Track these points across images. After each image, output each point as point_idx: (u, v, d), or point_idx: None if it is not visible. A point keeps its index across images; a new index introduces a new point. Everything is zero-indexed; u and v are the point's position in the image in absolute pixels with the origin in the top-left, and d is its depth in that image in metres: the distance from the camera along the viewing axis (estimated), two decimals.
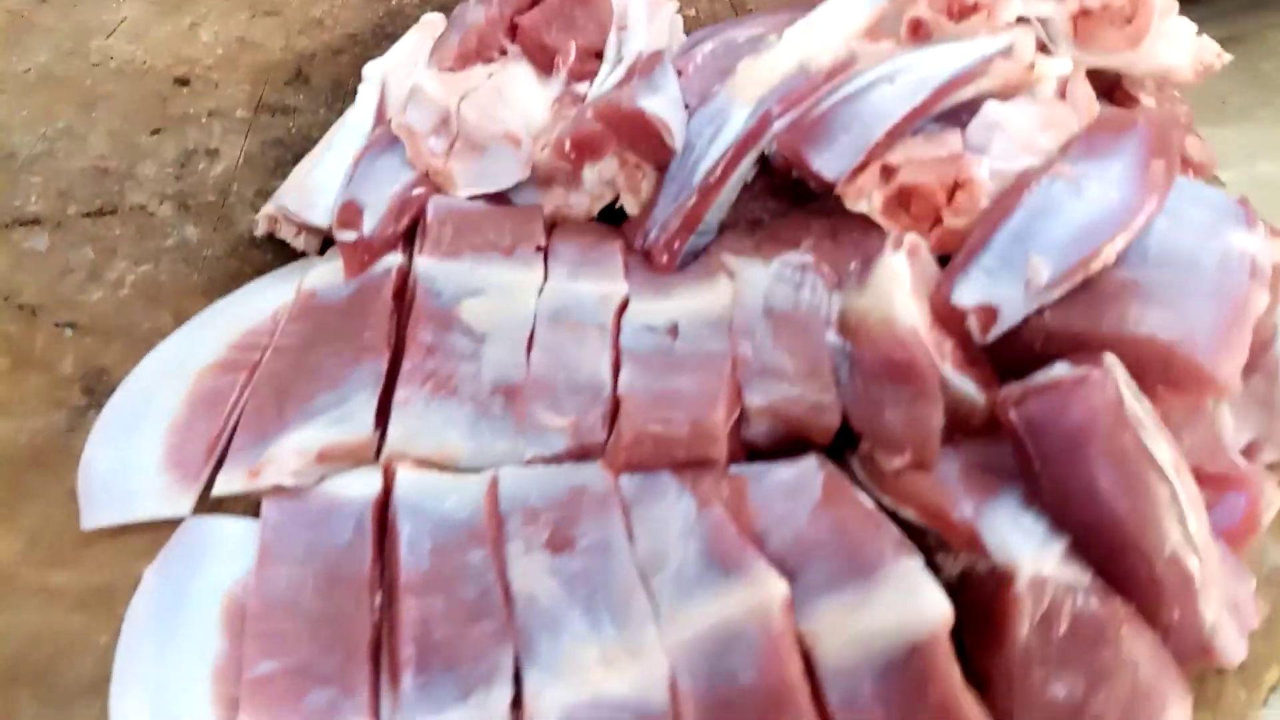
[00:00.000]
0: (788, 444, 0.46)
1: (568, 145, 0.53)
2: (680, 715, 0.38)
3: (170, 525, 0.47)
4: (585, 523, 0.43)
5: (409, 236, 0.55)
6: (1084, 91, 0.55)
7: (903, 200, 0.49)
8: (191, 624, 0.43)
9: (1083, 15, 0.54)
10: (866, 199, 0.50)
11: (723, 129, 0.53)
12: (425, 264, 0.52)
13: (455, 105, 0.55)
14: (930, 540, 0.42)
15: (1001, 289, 0.45)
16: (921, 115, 0.50)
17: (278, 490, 0.46)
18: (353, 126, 0.59)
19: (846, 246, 0.50)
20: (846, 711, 0.38)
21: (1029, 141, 0.50)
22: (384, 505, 0.45)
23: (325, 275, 0.54)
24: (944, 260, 0.48)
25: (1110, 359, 0.42)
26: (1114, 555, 0.39)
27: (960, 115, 0.52)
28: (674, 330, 0.49)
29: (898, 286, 0.44)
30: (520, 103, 0.57)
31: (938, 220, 0.49)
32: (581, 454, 0.46)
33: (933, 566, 0.40)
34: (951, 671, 0.37)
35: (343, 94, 0.67)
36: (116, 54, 0.68)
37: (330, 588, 0.43)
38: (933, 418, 0.42)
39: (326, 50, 0.70)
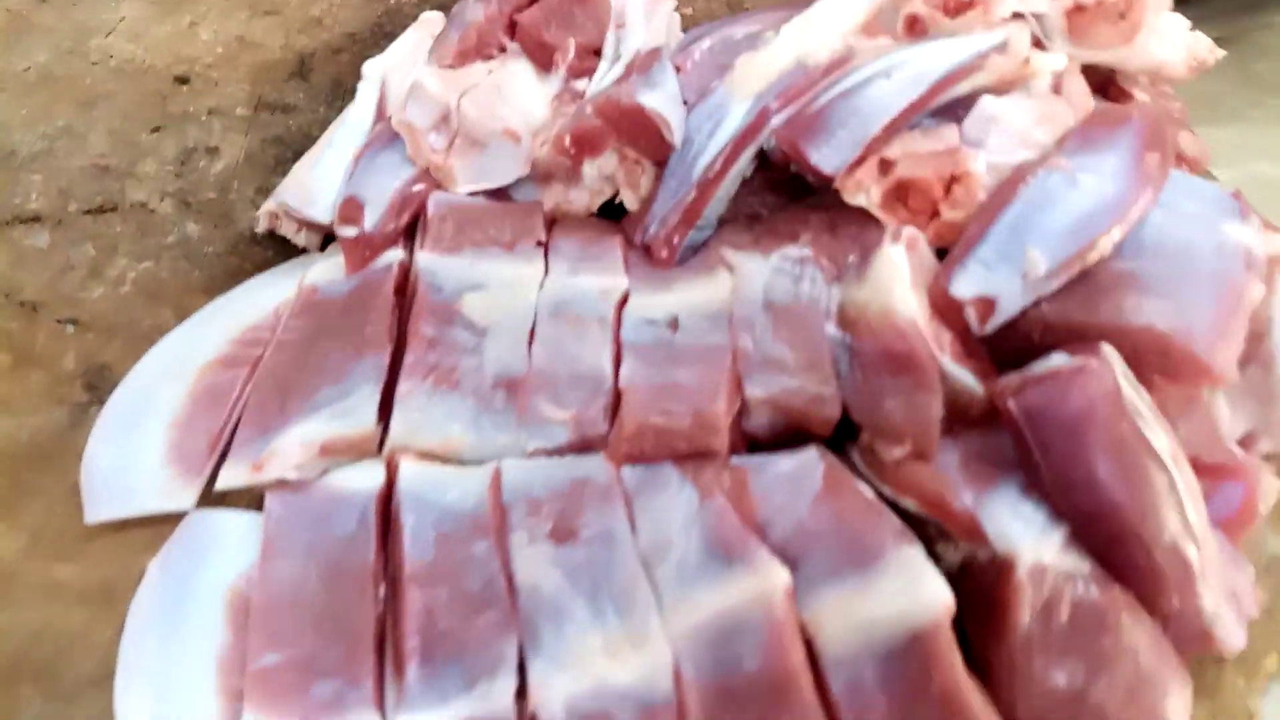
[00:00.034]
0: (788, 435, 0.47)
1: (568, 140, 0.53)
2: (684, 703, 0.38)
3: (173, 520, 0.47)
4: (588, 514, 0.43)
5: (409, 232, 0.55)
6: (1078, 87, 0.55)
7: (900, 194, 0.50)
8: (195, 617, 0.43)
9: (1077, 11, 0.54)
10: (864, 193, 0.50)
11: (721, 124, 0.53)
12: (426, 259, 0.52)
13: (455, 102, 0.56)
14: (930, 530, 0.43)
15: (999, 281, 0.45)
16: (918, 110, 0.50)
17: (281, 484, 0.46)
18: (353, 124, 0.59)
19: (845, 240, 0.50)
20: (849, 699, 0.38)
21: (1025, 136, 0.50)
22: (387, 498, 0.46)
23: (326, 271, 0.55)
24: (941, 253, 0.49)
25: (1108, 349, 0.42)
26: (1113, 543, 0.40)
27: (956, 110, 0.52)
28: (674, 323, 0.49)
29: (896, 278, 0.45)
30: (520, 100, 0.57)
31: (935, 213, 0.49)
32: (583, 446, 0.46)
33: (933, 556, 0.40)
34: (954, 659, 0.37)
35: (342, 92, 0.67)
36: (116, 53, 0.68)
37: (334, 580, 0.43)
38: (932, 408, 0.43)
39: (326, 49, 0.70)
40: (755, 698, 0.38)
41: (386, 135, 0.57)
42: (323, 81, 0.68)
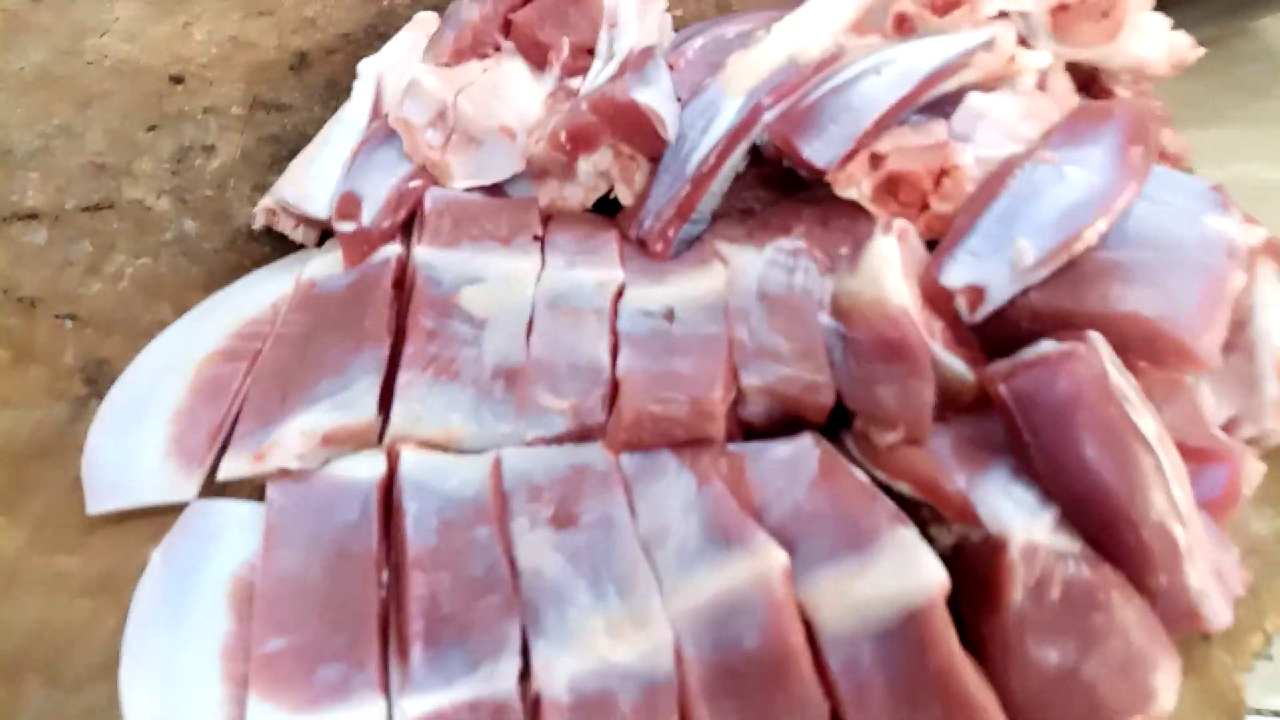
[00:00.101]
0: (784, 423, 0.47)
1: (563, 136, 0.54)
2: (685, 682, 0.39)
3: (174, 511, 0.47)
4: (588, 499, 0.44)
5: (406, 228, 0.56)
6: (1063, 84, 0.56)
7: (891, 187, 0.51)
8: (199, 605, 0.44)
9: (1061, 9, 0.55)
10: (856, 186, 0.51)
11: (714, 120, 0.54)
12: (424, 253, 0.52)
13: (452, 99, 0.56)
14: (924, 513, 0.43)
15: (988, 270, 0.46)
16: (908, 105, 0.51)
17: (282, 474, 0.47)
18: (349, 121, 0.60)
19: (837, 232, 0.51)
20: (847, 677, 0.39)
21: (1012, 130, 0.51)
22: (388, 487, 0.46)
23: (324, 266, 0.55)
24: (931, 244, 0.50)
25: (1095, 336, 0.43)
26: (1102, 523, 0.40)
27: (944, 107, 0.53)
28: (670, 315, 0.50)
29: (888, 268, 0.46)
30: (515, 97, 0.58)
31: (925, 206, 0.50)
32: (582, 435, 0.47)
33: (927, 539, 0.41)
34: (949, 636, 0.38)
35: (337, 91, 0.67)
36: (111, 53, 0.69)
37: (337, 567, 0.43)
38: (925, 393, 0.44)
39: (320, 49, 0.70)
40: (755, 676, 0.39)
41: (383, 132, 0.58)
42: (317, 81, 0.69)
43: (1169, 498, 0.40)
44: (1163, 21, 0.58)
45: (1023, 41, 0.56)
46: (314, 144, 0.60)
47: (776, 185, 0.55)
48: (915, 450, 0.44)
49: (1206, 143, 0.63)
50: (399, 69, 0.61)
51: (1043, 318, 0.46)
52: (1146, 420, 0.41)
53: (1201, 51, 0.59)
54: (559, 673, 0.39)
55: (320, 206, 0.56)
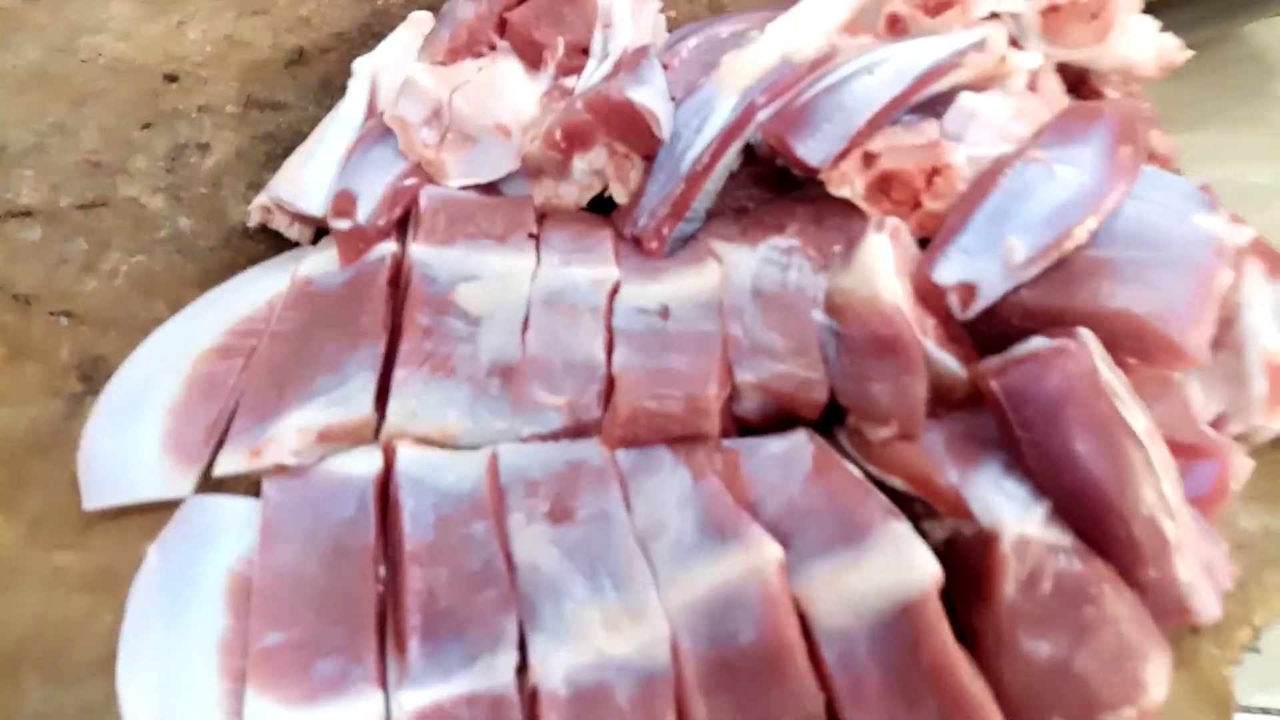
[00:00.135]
0: (778, 419, 0.48)
1: (558, 135, 0.54)
2: (682, 675, 0.39)
3: (170, 507, 0.47)
4: (584, 495, 0.44)
5: (401, 225, 0.56)
6: (1053, 85, 0.57)
7: (884, 185, 0.51)
8: (196, 600, 0.44)
9: (1051, 10, 0.56)
10: (849, 184, 0.51)
11: (709, 119, 0.54)
12: (420, 251, 0.53)
13: (447, 97, 0.57)
14: (917, 509, 0.44)
15: (980, 268, 0.47)
16: (901, 104, 0.52)
17: (279, 470, 0.47)
18: (345, 120, 0.60)
19: (830, 230, 0.51)
20: (843, 669, 0.39)
21: (1003, 130, 0.52)
22: (384, 483, 0.46)
23: (319, 264, 0.55)
24: (924, 243, 0.50)
25: (1085, 332, 0.44)
26: (1093, 517, 0.41)
27: (936, 106, 0.54)
28: (665, 312, 0.50)
29: (881, 265, 0.46)
30: (510, 96, 0.58)
31: (917, 204, 0.51)
32: (578, 431, 0.47)
33: (920, 534, 0.41)
34: (943, 629, 0.39)
35: (332, 90, 0.67)
36: (106, 51, 0.69)
37: (334, 562, 0.44)
38: (917, 389, 0.44)
39: (315, 48, 0.71)
40: (751, 669, 0.39)
41: (379, 130, 0.58)
42: (312, 80, 0.69)
43: (1159, 492, 0.41)
44: (1151, 24, 0.59)
45: (1014, 42, 0.56)
46: (309, 142, 0.60)
47: (770, 184, 0.56)
48: (908, 446, 0.45)
49: (1193, 146, 0.63)
50: (394, 67, 0.61)
51: (1034, 315, 0.46)
52: (1136, 416, 0.42)
53: (1189, 54, 0.59)
54: (556, 666, 0.39)
55: (316, 204, 0.57)
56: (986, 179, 0.50)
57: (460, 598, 0.41)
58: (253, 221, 0.59)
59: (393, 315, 0.52)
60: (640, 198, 0.56)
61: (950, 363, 0.46)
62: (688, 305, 0.51)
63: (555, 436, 0.47)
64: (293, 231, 0.58)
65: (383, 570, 0.44)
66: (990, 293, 0.47)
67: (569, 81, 0.60)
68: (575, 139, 0.55)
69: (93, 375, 0.53)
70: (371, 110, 0.61)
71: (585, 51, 0.61)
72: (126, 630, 0.43)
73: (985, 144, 0.51)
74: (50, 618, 0.45)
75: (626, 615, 0.40)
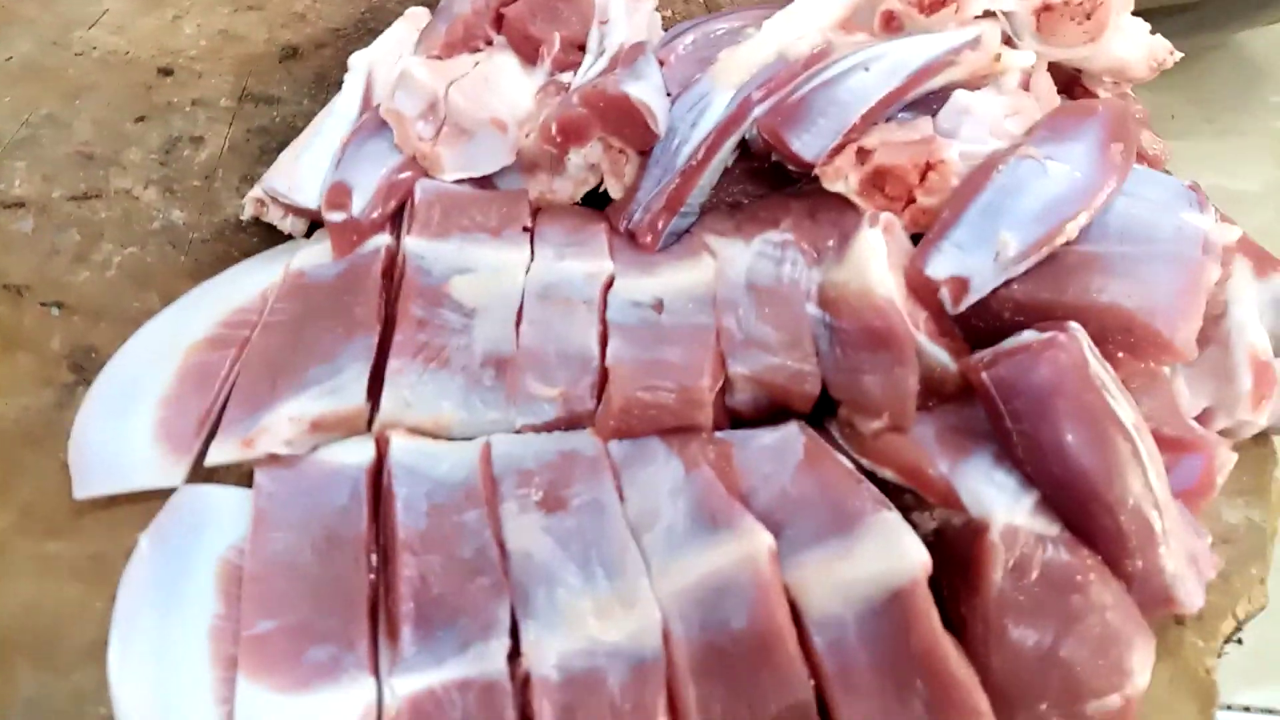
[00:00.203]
0: (770, 412, 0.48)
1: (554, 129, 0.54)
2: (673, 661, 0.39)
3: (162, 496, 0.47)
4: (577, 484, 0.44)
5: (396, 218, 0.56)
6: (1046, 84, 0.58)
7: (878, 180, 0.51)
8: (187, 588, 0.44)
9: (1045, 10, 0.57)
10: (843, 180, 0.52)
11: (704, 114, 0.55)
12: (414, 243, 0.53)
13: (443, 91, 0.57)
14: (907, 499, 0.44)
15: (972, 262, 0.47)
16: (895, 100, 0.52)
17: (271, 459, 0.47)
18: (340, 113, 0.60)
19: (824, 225, 0.52)
20: (833, 656, 0.39)
21: (996, 127, 0.52)
22: (377, 472, 0.46)
23: (313, 256, 0.55)
24: (916, 238, 0.50)
25: (1075, 326, 0.44)
26: (1082, 508, 0.41)
27: (930, 104, 0.54)
28: (659, 305, 0.51)
29: (874, 259, 0.47)
30: (506, 90, 0.59)
31: (911, 199, 0.51)
32: (571, 422, 0.48)
33: (910, 524, 0.42)
34: (931, 616, 0.39)
35: (326, 85, 0.68)
36: (99, 45, 0.69)
37: (327, 550, 0.44)
38: (909, 381, 0.45)
39: (309, 43, 0.71)
40: (742, 655, 0.39)
41: (374, 123, 0.58)
42: (307, 75, 0.69)
43: (1146, 484, 0.41)
44: (1142, 25, 0.59)
45: (1008, 41, 0.57)
46: (304, 135, 0.60)
47: (765, 179, 0.56)
48: (899, 437, 0.45)
49: (1180, 153, 0.64)
50: (390, 61, 0.62)
51: (1024, 309, 0.47)
52: (1124, 408, 0.42)
53: (1179, 55, 0.60)
54: (548, 652, 0.40)
55: (310, 197, 0.57)
56: (979, 175, 0.50)
57: (453, 585, 0.41)
58: (247, 214, 0.59)
59: (386, 307, 0.52)
60: (635, 192, 0.56)
61: (942, 356, 0.46)
62: (682, 298, 0.51)
63: (549, 427, 0.48)
64: (286, 224, 0.58)
65: (375, 559, 0.44)
66: (982, 287, 0.47)
67: (565, 77, 0.60)
68: (570, 133, 0.55)
69: (85, 365, 0.53)
70: (367, 104, 0.61)
71: (581, 47, 0.62)
72: (118, 618, 0.43)
73: (978, 140, 0.52)
74: (42, 606, 0.45)
75: (618, 602, 0.40)
